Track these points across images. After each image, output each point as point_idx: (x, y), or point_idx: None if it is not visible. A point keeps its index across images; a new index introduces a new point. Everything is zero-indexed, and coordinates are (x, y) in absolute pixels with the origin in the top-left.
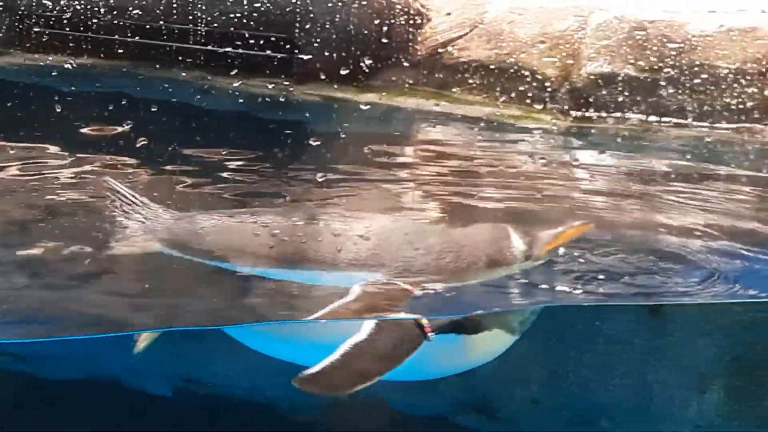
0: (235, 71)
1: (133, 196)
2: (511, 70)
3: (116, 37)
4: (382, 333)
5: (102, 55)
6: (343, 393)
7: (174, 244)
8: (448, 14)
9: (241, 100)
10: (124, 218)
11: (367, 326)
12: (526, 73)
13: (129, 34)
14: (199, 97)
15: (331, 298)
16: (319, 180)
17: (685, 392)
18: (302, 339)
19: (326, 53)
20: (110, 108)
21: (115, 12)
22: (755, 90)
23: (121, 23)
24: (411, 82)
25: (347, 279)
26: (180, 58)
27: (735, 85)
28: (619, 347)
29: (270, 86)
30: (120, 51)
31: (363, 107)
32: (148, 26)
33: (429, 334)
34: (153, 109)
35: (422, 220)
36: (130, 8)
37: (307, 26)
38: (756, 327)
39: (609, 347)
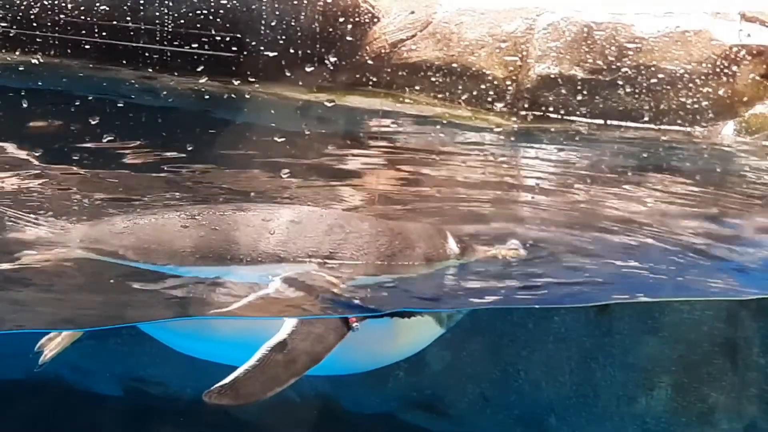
0: (201, 68)
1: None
2: (460, 71)
3: (83, 34)
4: (303, 328)
5: (69, 52)
6: (256, 400)
7: (93, 247)
8: (412, 13)
9: (207, 97)
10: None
11: (288, 323)
12: (475, 74)
13: (96, 32)
14: (164, 93)
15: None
16: (284, 176)
17: (632, 389)
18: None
19: (291, 51)
20: (76, 104)
21: (82, 8)
22: (709, 90)
23: (88, 20)
24: (362, 81)
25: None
26: (146, 55)
27: (690, 85)
28: (567, 345)
29: (235, 83)
30: (87, 48)
31: (327, 104)
32: (115, 23)
33: (354, 324)
34: (119, 105)
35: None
36: (98, 4)
37: (272, 24)
38: (701, 325)
39: (558, 345)
